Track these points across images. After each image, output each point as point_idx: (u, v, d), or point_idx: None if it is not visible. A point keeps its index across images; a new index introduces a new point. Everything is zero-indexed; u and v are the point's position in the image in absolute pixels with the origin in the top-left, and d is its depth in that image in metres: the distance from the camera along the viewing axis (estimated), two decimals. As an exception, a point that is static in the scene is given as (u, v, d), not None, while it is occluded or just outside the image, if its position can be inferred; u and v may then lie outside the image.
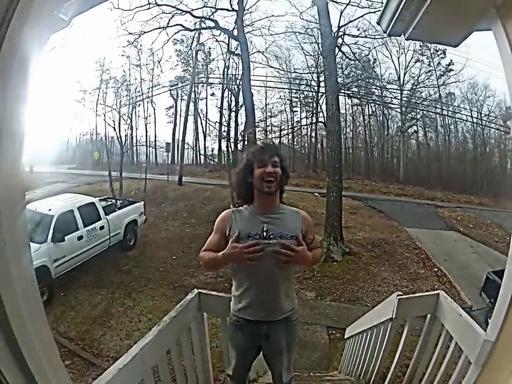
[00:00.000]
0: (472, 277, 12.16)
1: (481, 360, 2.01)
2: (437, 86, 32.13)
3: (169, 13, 21.77)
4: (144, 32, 22.28)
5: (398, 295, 3.27)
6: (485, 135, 34.02)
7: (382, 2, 17.05)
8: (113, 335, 8.65)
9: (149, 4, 20.89)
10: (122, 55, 29.12)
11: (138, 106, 32.89)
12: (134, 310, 9.69)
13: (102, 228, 11.85)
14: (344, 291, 11.11)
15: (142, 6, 20.79)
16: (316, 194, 23.15)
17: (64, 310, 9.45)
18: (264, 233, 2.40)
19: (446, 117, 33.31)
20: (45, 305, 8.89)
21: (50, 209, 10.58)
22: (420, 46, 31.23)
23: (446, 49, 30.07)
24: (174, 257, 12.94)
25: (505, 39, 1.64)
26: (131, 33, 22.15)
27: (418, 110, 33.15)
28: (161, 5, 21.35)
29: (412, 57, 32.37)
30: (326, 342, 8.35)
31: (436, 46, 30.27)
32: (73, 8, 1.66)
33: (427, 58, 32.15)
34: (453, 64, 31.05)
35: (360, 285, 11.50)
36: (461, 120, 33.26)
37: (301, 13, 25.09)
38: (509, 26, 1.62)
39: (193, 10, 22.25)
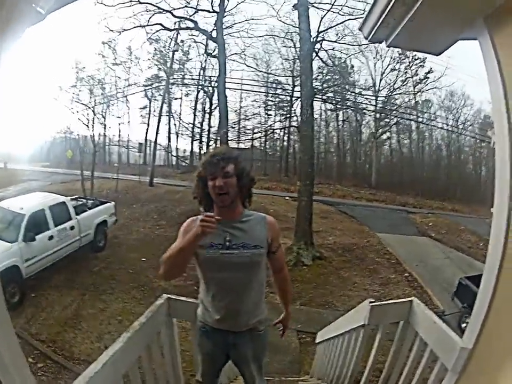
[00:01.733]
0: (444, 282, 12.31)
1: (458, 367, 2.00)
2: (413, 93, 32.50)
3: (150, 11, 21.62)
4: (125, 30, 22.05)
5: (370, 302, 3.23)
6: (460, 143, 34.51)
7: (364, 10, 17.27)
8: (84, 337, 8.55)
9: (131, 1, 20.71)
10: (99, 54, 28.73)
11: (113, 105, 32.58)
12: (105, 313, 9.60)
13: (72, 228, 11.69)
14: (315, 295, 11.11)
15: (124, 3, 20.58)
16: (287, 198, 23.22)
17: (35, 311, 9.33)
18: (227, 243, 2.36)
19: (421, 124, 33.71)
20: (16, 306, 9.03)
21: (22, 208, 10.45)
22: (399, 53, 31.58)
23: (426, 58, 30.50)
24: (143, 259, 12.78)
25: (491, 49, 1.62)
26: (111, 30, 21.90)
27: (392, 117, 33.45)
28: (144, 3, 21.18)
29: (389, 64, 32.68)
30: (296, 346, 8.37)
31: (415, 54, 30.71)
32: (51, 1, 1.60)
33: (405, 68, 32.48)
34: (432, 72, 31.47)
35: (330, 289, 11.51)
36: (436, 128, 33.71)
37: (277, 13, 25.17)
38: (496, 37, 1.60)
39: (174, 9, 22.13)
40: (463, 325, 9.52)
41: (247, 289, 2.44)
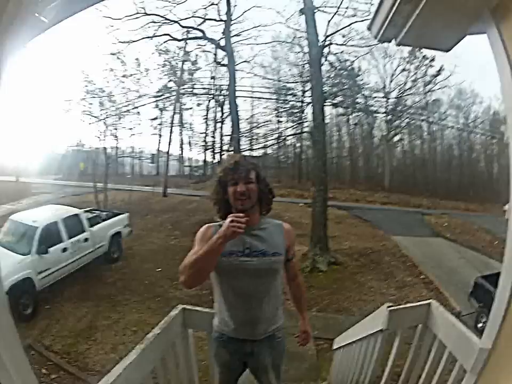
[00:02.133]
0: (460, 283, 12.17)
1: (477, 368, 1.96)
2: (423, 93, 32.37)
3: (157, 22, 21.73)
4: (133, 41, 22.18)
5: (388, 307, 3.19)
6: (471, 141, 34.31)
7: (369, 11, 17.23)
8: (99, 348, 8.53)
9: (137, 13, 20.85)
10: (107, 69, 28.88)
11: (124, 117, 32.75)
12: (119, 323, 9.58)
13: (86, 240, 11.73)
14: (331, 301, 11.03)
15: (131, 15, 20.73)
16: (301, 204, 23.11)
17: (49, 323, 9.34)
18: (247, 250, 2.34)
19: (432, 124, 33.57)
20: (30, 318, 9.09)
21: (35, 221, 10.50)
22: (408, 53, 31.52)
23: (434, 56, 30.40)
24: (158, 269, 12.79)
25: (500, 42, 1.59)
26: (120, 41, 22.02)
27: (403, 118, 33.28)
28: (150, 14, 21.30)
29: (399, 65, 32.59)
30: (313, 353, 8.26)
31: (425, 54, 30.62)
32: (54, 11, 1.61)
33: (415, 68, 32.34)
34: (443, 70, 31.30)
35: (346, 295, 11.43)
36: (447, 127, 33.49)
37: (286, 20, 25.20)
38: (504, 29, 1.57)
39: (181, 20, 22.21)
40: (479, 325, 9.44)
41: (265, 296, 2.42)
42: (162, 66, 30.28)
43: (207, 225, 2.49)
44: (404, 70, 32.50)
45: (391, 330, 3.24)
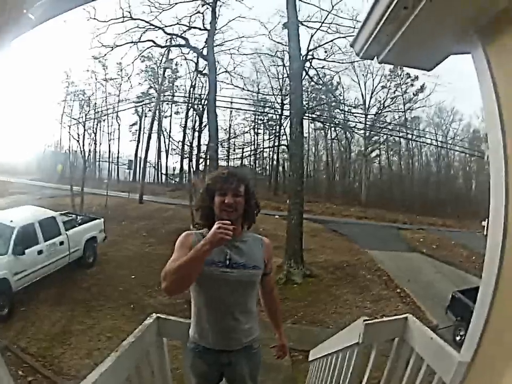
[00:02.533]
0: (436, 297, 12.35)
1: (457, 382, 1.97)
2: (402, 110, 32.77)
3: (142, 28, 21.73)
4: (117, 46, 22.14)
5: (364, 320, 3.20)
6: (450, 158, 34.77)
7: (353, 28, 17.45)
8: (73, 353, 8.53)
9: (124, 17, 20.85)
10: (88, 70, 28.75)
11: (103, 121, 32.54)
12: (94, 329, 9.58)
13: (62, 243, 11.69)
14: (306, 313, 11.08)
15: (117, 18, 20.72)
16: (277, 216, 23.10)
17: (24, 325, 9.34)
18: (227, 261, 2.35)
19: (410, 140, 33.97)
20: (6, 319, 8.99)
21: (11, 221, 10.47)
22: (390, 71, 31.89)
23: (417, 76, 30.90)
24: (133, 276, 12.76)
25: (485, 63, 1.60)
26: (104, 45, 21.95)
27: (382, 134, 33.63)
28: (136, 19, 21.30)
29: (380, 82, 32.94)
30: (289, 364, 8.26)
31: (407, 72, 31.04)
32: (42, 8, 1.60)
33: (395, 86, 32.78)
34: (424, 88, 31.80)
35: (322, 307, 11.49)
36: (425, 144, 33.92)
37: (269, 32, 25.19)
38: (489, 50, 1.58)
39: (166, 26, 22.23)
40: (457, 338, 9.55)
41: (243, 308, 2.44)
42: (144, 72, 30.33)
43: (187, 232, 2.50)
44: (383, 87, 32.89)
45: (367, 344, 3.26)
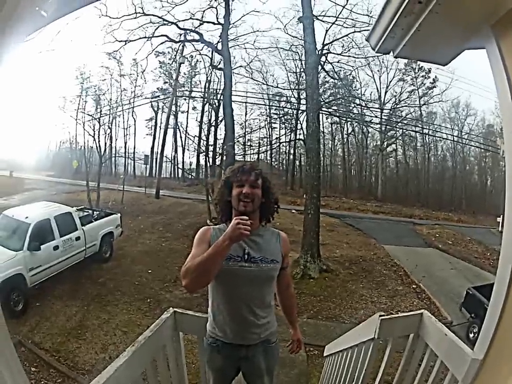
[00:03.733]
0: (451, 293, 12.27)
1: (469, 379, 1.96)
2: (418, 105, 32.50)
3: (155, 23, 21.75)
4: (130, 41, 22.17)
5: (380, 315, 3.18)
6: (465, 153, 34.46)
7: (368, 23, 17.33)
8: (89, 348, 8.54)
9: (136, 13, 20.87)
10: (102, 66, 28.90)
11: (119, 116, 32.65)
12: (109, 324, 9.59)
13: (78, 238, 11.71)
14: (322, 308, 11.04)
15: (129, 15, 20.76)
16: (293, 211, 23.01)
17: (39, 320, 9.35)
18: (246, 256, 2.34)
19: (426, 135, 33.70)
20: (20, 314, 9.07)
21: (27, 217, 10.50)
22: (405, 64, 31.67)
23: (430, 68, 30.57)
24: (149, 271, 12.79)
25: (499, 57, 1.59)
26: (118, 40, 21.99)
27: (398, 129, 33.42)
28: (148, 15, 21.33)
29: (394, 76, 32.73)
30: (303, 359, 8.23)
31: (420, 65, 30.77)
32: (55, 5, 1.60)
33: (411, 79, 32.53)
34: (437, 81, 31.62)
35: (337, 302, 11.44)
36: (441, 139, 33.64)
37: (285, 26, 25.11)
38: (503, 45, 1.57)
39: (179, 21, 22.20)
40: (471, 335, 9.47)
41: (261, 302, 2.44)
42: (161, 67, 30.38)
43: (205, 227, 2.48)
44: (400, 80, 32.65)
45: (382, 339, 3.24)
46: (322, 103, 26.21)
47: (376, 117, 33.42)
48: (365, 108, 33.26)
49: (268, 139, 35.84)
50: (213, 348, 2.54)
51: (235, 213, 2.38)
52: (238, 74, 27.16)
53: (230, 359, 2.52)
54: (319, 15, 19.40)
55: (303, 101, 28.92)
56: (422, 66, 31.15)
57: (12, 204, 14.67)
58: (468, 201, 32.35)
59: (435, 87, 31.96)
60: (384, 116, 33.41)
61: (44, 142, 34.55)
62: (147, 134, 34.98)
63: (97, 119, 26.40)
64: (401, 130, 33.55)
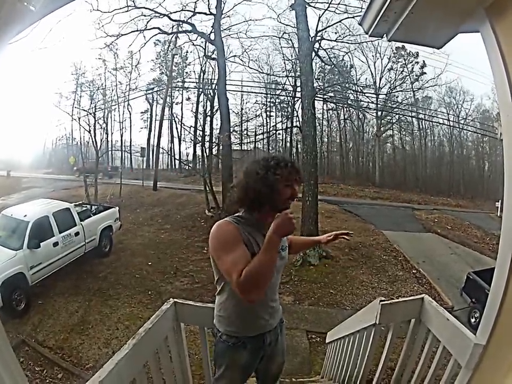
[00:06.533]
0: (451, 278, 12.34)
1: (472, 364, 1.97)
2: (412, 90, 32.43)
3: (147, 16, 21.61)
4: (122, 35, 22.03)
5: (381, 301, 3.18)
6: (462, 138, 34.43)
7: (361, 8, 17.22)
8: (92, 343, 8.56)
9: (128, 6, 20.73)
10: (99, 58, 28.78)
11: (114, 110, 32.55)
12: (111, 318, 9.60)
13: (77, 234, 11.69)
14: (322, 295, 11.08)
15: (120, 8, 20.60)
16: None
17: (42, 318, 9.35)
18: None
19: (423, 120, 33.68)
20: (23, 313, 9.05)
21: (25, 215, 10.47)
22: (393, 51, 31.63)
23: (417, 52, 30.55)
24: (149, 263, 12.82)
25: (494, 40, 1.58)
26: (109, 35, 21.84)
27: (394, 114, 33.36)
28: (140, 8, 21.16)
29: (388, 62, 32.62)
30: (306, 346, 8.32)
31: (410, 52, 30.72)
32: (42, 0, 1.56)
33: (401, 66, 32.47)
34: (425, 67, 31.59)
35: (338, 289, 11.48)
36: (438, 124, 33.61)
37: (278, 16, 24.97)
38: (498, 28, 1.56)
39: (171, 13, 22.04)
40: (472, 320, 9.51)
41: (277, 286, 2.50)
42: (156, 58, 30.28)
43: (226, 223, 2.26)
44: (390, 69, 32.64)
45: (384, 325, 3.24)
46: (317, 89, 26.14)
47: (372, 102, 33.35)
48: (361, 94, 33.21)
49: (265, 127, 35.75)
50: (237, 347, 2.41)
51: (270, 209, 2.26)
52: (233, 62, 26.98)
53: (257, 351, 2.47)
54: (311, 2, 19.26)
55: (299, 88, 28.91)
56: (410, 52, 31.14)
57: (11, 203, 14.65)
58: (466, 186, 32.42)
59: (425, 73, 31.94)
60: (380, 101, 33.35)
61: (40, 139, 34.46)
62: (142, 128, 35.03)
63: (93, 114, 26.29)
64: (397, 116, 33.48)
